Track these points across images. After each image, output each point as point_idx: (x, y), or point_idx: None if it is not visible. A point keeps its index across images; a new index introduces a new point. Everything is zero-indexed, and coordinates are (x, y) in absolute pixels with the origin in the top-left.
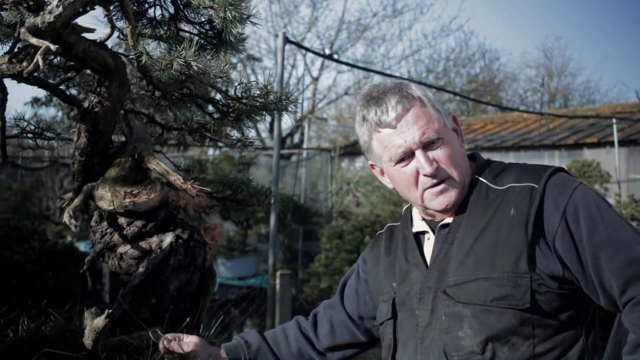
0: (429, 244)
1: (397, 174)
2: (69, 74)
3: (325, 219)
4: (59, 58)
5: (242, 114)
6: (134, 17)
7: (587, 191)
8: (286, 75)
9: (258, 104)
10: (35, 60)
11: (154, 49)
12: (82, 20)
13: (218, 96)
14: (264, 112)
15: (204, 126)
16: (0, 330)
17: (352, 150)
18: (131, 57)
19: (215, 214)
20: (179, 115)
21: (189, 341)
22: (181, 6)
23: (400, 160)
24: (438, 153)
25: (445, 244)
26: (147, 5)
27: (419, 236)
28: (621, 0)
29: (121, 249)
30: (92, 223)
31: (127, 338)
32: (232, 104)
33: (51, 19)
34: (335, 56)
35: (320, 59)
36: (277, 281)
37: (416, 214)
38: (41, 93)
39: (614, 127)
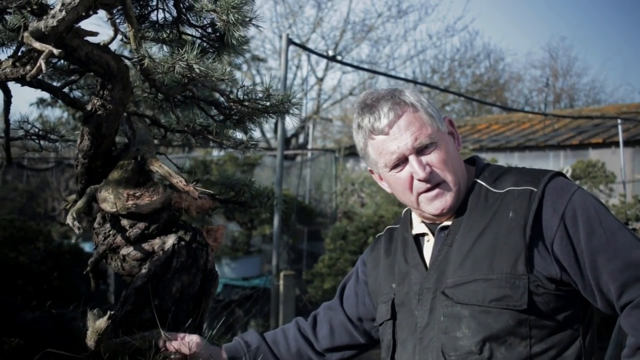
0: (428, 245)
1: (392, 179)
2: (73, 77)
3: (329, 220)
4: (62, 61)
5: (244, 116)
6: (137, 21)
7: (585, 195)
8: (291, 75)
9: (260, 106)
10: (38, 64)
11: (156, 52)
12: (87, 22)
13: (221, 98)
14: (266, 115)
15: (207, 128)
16: None
17: (357, 150)
18: (134, 60)
19: (220, 214)
20: (181, 117)
21: (191, 341)
22: (184, 9)
23: (395, 166)
24: (431, 158)
25: (445, 245)
26: (149, 9)
27: (418, 238)
28: (627, 0)
29: (124, 251)
30: (95, 225)
31: (129, 339)
32: (234, 107)
33: (54, 23)
34: (339, 57)
35: (325, 59)
36: (281, 282)
37: (416, 217)
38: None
39: (619, 127)
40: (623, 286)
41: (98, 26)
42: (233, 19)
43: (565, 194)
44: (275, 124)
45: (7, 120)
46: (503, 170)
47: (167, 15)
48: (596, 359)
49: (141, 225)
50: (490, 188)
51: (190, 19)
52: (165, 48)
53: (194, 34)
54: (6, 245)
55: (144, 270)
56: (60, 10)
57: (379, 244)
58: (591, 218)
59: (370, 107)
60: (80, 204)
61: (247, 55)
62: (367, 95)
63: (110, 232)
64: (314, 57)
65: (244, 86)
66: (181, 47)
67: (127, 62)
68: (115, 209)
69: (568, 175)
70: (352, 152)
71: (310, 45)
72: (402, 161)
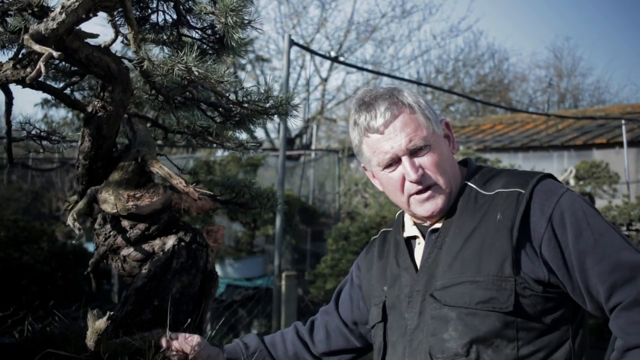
0: (419, 248)
1: (384, 178)
2: (74, 79)
3: (333, 220)
4: (63, 63)
5: (244, 117)
6: (137, 23)
7: (574, 197)
8: (295, 76)
9: (259, 108)
10: (37, 66)
11: (156, 53)
12: (89, 24)
13: (221, 100)
14: (265, 116)
15: (207, 130)
16: (7, 331)
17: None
18: (134, 62)
19: (223, 215)
20: (181, 119)
21: (192, 340)
22: (183, 12)
23: (388, 165)
24: (424, 160)
25: (435, 248)
26: (150, 11)
27: (410, 241)
28: (631, 0)
29: (124, 252)
30: (96, 226)
31: (129, 339)
32: (233, 108)
33: (54, 26)
34: (343, 58)
35: (328, 60)
36: (283, 282)
37: (408, 219)
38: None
39: (623, 127)
40: (611, 288)
41: (102, 26)
42: (232, 21)
43: (554, 196)
44: (279, 124)
45: (8, 122)
46: (494, 172)
47: (167, 17)
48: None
49: (141, 226)
50: (480, 190)
51: (190, 21)
52: (165, 50)
53: (193, 36)
54: (10, 245)
55: (144, 271)
56: (60, 13)
57: (373, 247)
58: (579, 220)
59: (368, 105)
60: (81, 204)
61: (251, 55)
62: (365, 93)
63: (111, 233)
64: (318, 57)
65: (243, 88)
66: (181, 49)
67: (127, 63)
68: (115, 210)
69: (572, 175)
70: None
71: (315, 46)
72: (395, 161)
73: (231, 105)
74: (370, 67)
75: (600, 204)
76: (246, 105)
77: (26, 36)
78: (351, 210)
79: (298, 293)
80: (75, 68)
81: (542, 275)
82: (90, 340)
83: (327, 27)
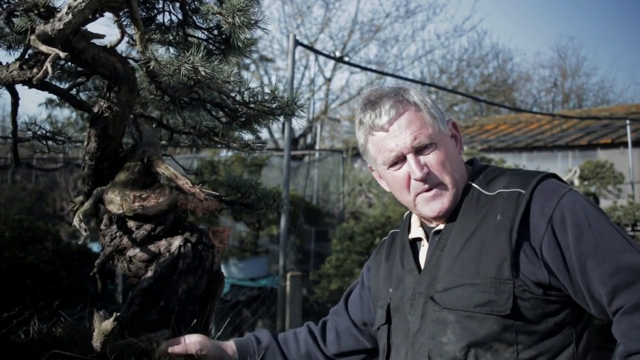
0: (424, 250)
1: (390, 177)
2: (79, 79)
3: (337, 220)
4: (69, 63)
5: (250, 118)
6: (143, 23)
7: (576, 198)
8: (299, 76)
9: (266, 108)
10: (44, 67)
11: (163, 54)
12: (94, 24)
13: (227, 100)
14: (272, 117)
15: (213, 130)
16: (12, 331)
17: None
18: (140, 62)
19: (227, 215)
20: (187, 119)
21: (193, 341)
22: (190, 12)
23: (393, 164)
24: (430, 158)
25: (437, 250)
26: (156, 11)
27: (415, 242)
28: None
29: (130, 252)
30: (102, 226)
31: (135, 340)
32: (240, 109)
33: (61, 26)
34: (347, 58)
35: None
36: (288, 283)
37: (414, 220)
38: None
39: (628, 127)
40: (613, 291)
41: (107, 27)
42: (239, 21)
43: (554, 196)
44: (283, 125)
45: (14, 122)
46: (498, 172)
47: (173, 17)
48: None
49: (147, 226)
50: (483, 190)
51: (196, 21)
52: (171, 50)
53: (200, 36)
54: (15, 245)
55: (150, 272)
56: (67, 13)
57: (382, 248)
58: (580, 221)
59: (373, 104)
60: (87, 205)
61: (255, 55)
62: (371, 92)
63: (117, 234)
64: (322, 57)
65: (249, 88)
66: (187, 49)
67: (133, 64)
68: (121, 211)
69: (576, 175)
70: (359, 152)
71: (318, 46)
72: (400, 159)
73: (237, 106)
74: (374, 67)
75: (604, 204)
76: (252, 105)
77: (33, 37)
78: (355, 211)
79: (302, 293)
80: (81, 68)
81: (542, 277)
82: (96, 341)
83: (331, 27)
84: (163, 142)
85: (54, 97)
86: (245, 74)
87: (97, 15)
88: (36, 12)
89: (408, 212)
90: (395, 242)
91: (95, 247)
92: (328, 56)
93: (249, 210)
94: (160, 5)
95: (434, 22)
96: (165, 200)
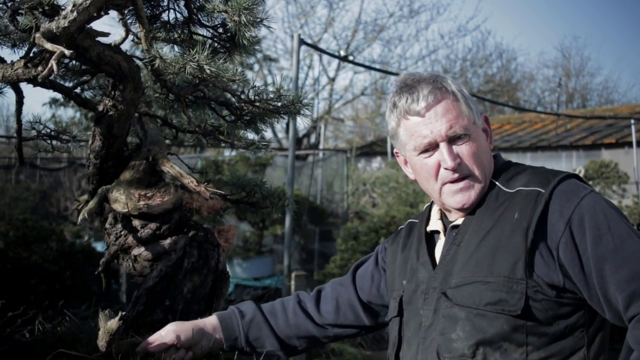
0: (440, 243)
1: (419, 164)
2: (84, 77)
3: (341, 220)
4: (74, 62)
5: (255, 116)
6: (148, 21)
7: (596, 200)
8: (303, 75)
9: (271, 107)
10: (49, 65)
11: (167, 52)
12: (98, 22)
13: (232, 99)
14: (277, 115)
15: (218, 129)
16: (17, 331)
17: (369, 150)
18: (145, 61)
19: (231, 214)
20: (192, 118)
21: (165, 333)
22: (195, 10)
23: (424, 150)
24: (463, 149)
25: (454, 245)
26: (161, 9)
27: (432, 235)
28: None
29: (135, 251)
30: (107, 225)
31: (140, 340)
32: (245, 107)
33: (66, 24)
34: (351, 57)
35: (336, 59)
36: (292, 282)
37: (434, 213)
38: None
39: (632, 127)
40: (630, 297)
41: (110, 26)
42: (244, 19)
43: (575, 197)
44: (287, 124)
45: (19, 121)
46: (520, 169)
47: (178, 15)
48: None
49: (152, 225)
50: (502, 187)
51: (201, 19)
52: (176, 48)
53: (205, 34)
54: (19, 244)
55: (155, 271)
56: (72, 11)
57: (399, 237)
58: (599, 224)
59: (410, 88)
60: (91, 204)
61: (259, 55)
62: (408, 76)
63: (122, 233)
64: (325, 57)
65: (255, 87)
66: (192, 47)
67: (138, 62)
68: (126, 210)
69: (581, 175)
70: (363, 152)
71: (322, 45)
72: (432, 147)
73: (242, 104)
74: (377, 66)
75: None
76: (258, 104)
77: (37, 34)
78: (359, 210)
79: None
80: (86, 67)
81: (557, 279)
82: (101, 341)
83: (335, 27)
84: (168, 141)
85: (59, 96)
86: (249, 74)
87: (102, 12)
88: (41, 10)
89: (429, 203)
90: (412, 233)
91: (99, 246)
92: (332, 55)
93: (254, 209)
94: (165, 3)
95: (437, 21)
96: (170, 199)
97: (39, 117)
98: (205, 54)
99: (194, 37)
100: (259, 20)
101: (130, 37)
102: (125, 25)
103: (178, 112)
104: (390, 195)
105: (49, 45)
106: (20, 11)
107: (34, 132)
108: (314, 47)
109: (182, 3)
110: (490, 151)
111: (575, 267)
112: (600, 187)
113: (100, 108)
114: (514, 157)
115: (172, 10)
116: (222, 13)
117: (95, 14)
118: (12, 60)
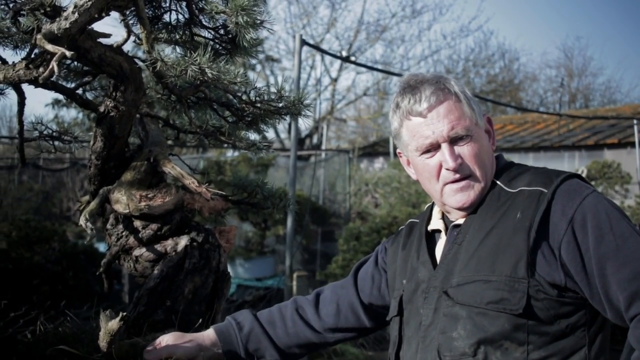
0: (441, 243)
1: (421, 164)
2: (86, 79)
3: (343, 220)
4: (75, 63)
5: (256, 117)
6: (150, 22)
7: (599, 200)
8: (305, 76)
9: (272, 107)
10: (50, 66)
11: (169, 53)
12: (100, 23)
13: (233, 100)
14: (278, 116)
15: (220, 129)
16: (19, 331)
17: (371, 151)
18: (147, 62)
19: (233, 215)
20: (194, 119)
21: (167, 343)
22: (196, 11)
23: (426, 151)
24: (464, 149)
25: (455, 244)
26: (162, 10)
27: (434, 234)
28: None
29: (137, 252)
30: (108, 226)
31: (141, 340)
32: (246, 108)
33: (67, 26)
34: (353, 58)
35: (338, 60)
36: (294, 283)
37: (436, 212)
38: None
39: (635, 127)
40: (632, 297)
41: (112, 27)
42: (243, 21)
43: (577, 197)
44: (289, 125)
45: (21, 122)
46: (522, 169)
47: (180, 16)
48: None
49: (154, 226)
50: (505, 187)
51: (202, 20)
52: (178, 49)
53: (206, 35)
54: (22, 245)
55: (156, 272)
56: (73, 13)
57: (399, 237)
58: (601, 223)
59: (413, 88)
60: (93, 205)
61: (261, 56)
62: (411, 77)
63: (123, 233)
64: (328, 57)
65: (256, 88)
66: (194, 48)
67: (140, 63)
68: (128, 210)
69: (583, 175)
70: (366, 152)
71: (324, 46)
72: (434, 147)
73: (244, 105)
74: (380, 67)
75: None
76: (259, 104)
77: (39, 36)
78: (361, 211)
79: (309, 293)
80: (88, 68)
81: (558, 279)
82: (102, 341)
83: (337, 27)
84: (169, 142)
85: (61, 97)
86: (251, 74)
87: (104, 14)
88: (42, 11)
89: (430, 203)
90: (413, 233)
91: (101, 247)
92: (334, 56)
93: (256, 210)
94: (167, 4)
95: (440, 22)
96: (171, 200)
97: (41, 117)
98: (207, 56)
99: (195, 38)
100: (259, 22)
101: (132, 38)
102: (126, 26)
103: (180, 113)
104: (392, 196)
105: (50, 47)
106: (22, 12)
107: (36, 133)
108: (316, 47)
109: (183, 4)
110: (493, 152)
111: (577, 266)
112: (602, 187)
113: (102, 109)
114: (516, 158)
115: (173, 12)
116: (222, 14)
117: (96, 15)
118: (13, 62)
